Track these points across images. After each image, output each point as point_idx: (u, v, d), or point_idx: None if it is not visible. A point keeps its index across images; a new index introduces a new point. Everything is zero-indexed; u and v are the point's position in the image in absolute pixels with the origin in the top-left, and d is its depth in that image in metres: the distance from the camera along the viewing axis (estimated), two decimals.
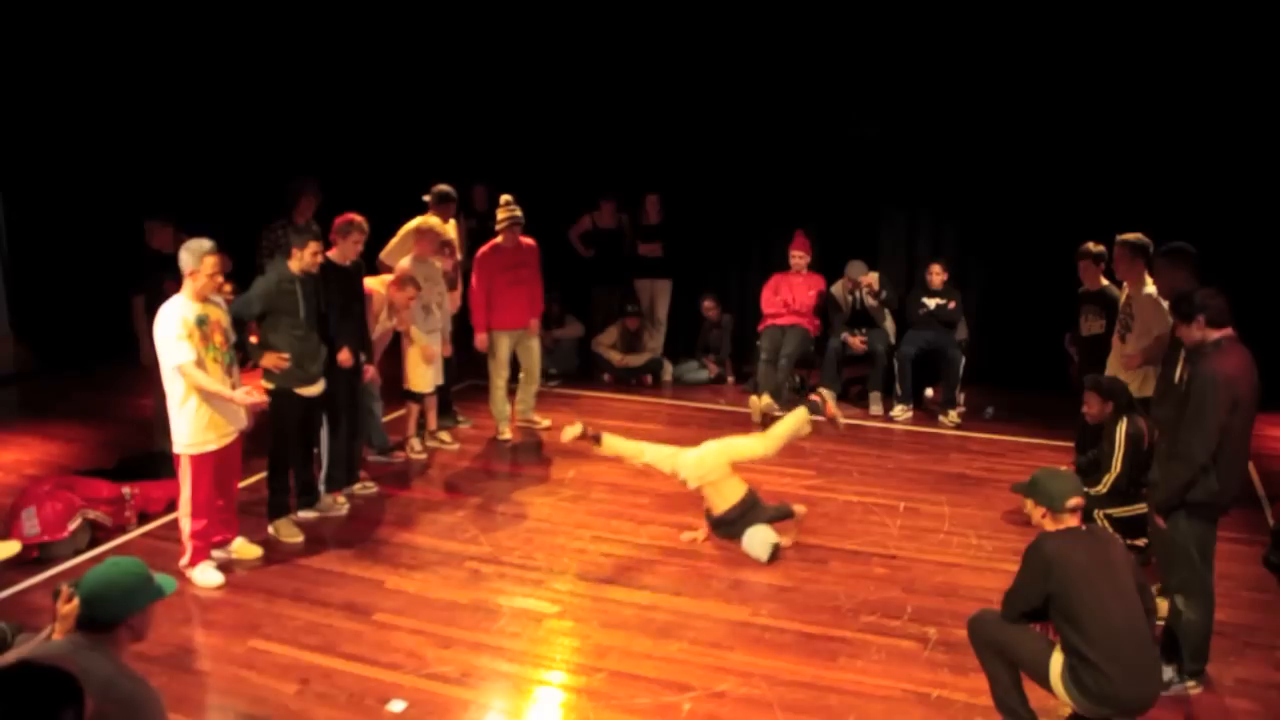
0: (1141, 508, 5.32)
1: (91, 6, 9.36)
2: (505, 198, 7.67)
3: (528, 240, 7.74)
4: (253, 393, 5.40)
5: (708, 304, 9.74)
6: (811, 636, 4.88)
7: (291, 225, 7.47)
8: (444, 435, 7.73)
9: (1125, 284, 6.05)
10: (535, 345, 7.93)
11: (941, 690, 4.41)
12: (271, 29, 10.29)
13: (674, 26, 9.78)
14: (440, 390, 7.61)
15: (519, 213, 7.54)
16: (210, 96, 10.26)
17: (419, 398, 7.39)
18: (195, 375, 5.11)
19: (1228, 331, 4.24)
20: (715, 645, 4.80)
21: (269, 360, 5.67)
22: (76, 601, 2.95)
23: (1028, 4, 8.61)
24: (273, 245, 7.46)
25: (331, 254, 6.14)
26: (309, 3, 10.35)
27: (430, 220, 7.25)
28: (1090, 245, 6.64)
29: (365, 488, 6.68)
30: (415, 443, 7.46)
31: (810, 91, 9.53)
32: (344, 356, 6.10)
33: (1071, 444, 7.17)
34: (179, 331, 5.06)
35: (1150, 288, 5.68)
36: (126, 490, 6.08)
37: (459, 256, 7.96)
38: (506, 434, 7.89)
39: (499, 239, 7.57)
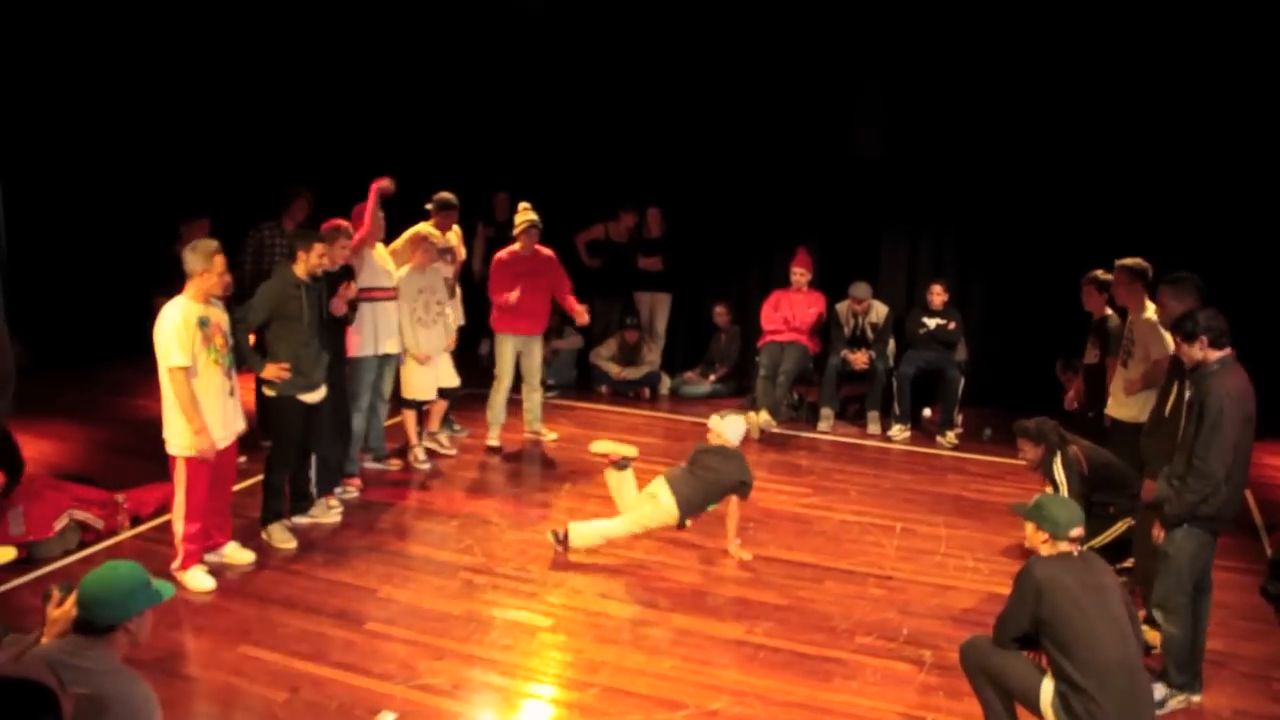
0: (1116, 530, 5.35)
1: (93, 5, 9.36)
2: (524, 204, 7.67)
3: (545, 250, 7.72)
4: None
5: (719, 310, 9.73)
6: (806, 656, 4.85)
7: (279, 228, 7.47)
8: (442, 438, 7.71)
9: (1128, 309, 6.03)
10: (538, 355, 7.88)
11: (936, 714, 4.38)
12: (292, 34, 10.29)
13: (680, 43, 9.79)
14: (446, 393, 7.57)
15: (535, 217, 7.56)
16: (217, 96, 10.24)
17: (416, 405, 7.35)
18: (181, 381, 5.08)
19: (1228, 351, 4.33)
20: (709, 663, 4.76)
21: (270, 372, 5.64)
22: (68, 605, 2.93)
23: (1032, 26, 8.63)
24: (257, 247, 7.43)
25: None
26: (335, 12, 10.36)
27: (423, 228, 7.21)
28: (1098, 272, 6.62)
29: (345, 491, 6.63)
30: (419, 451, 7.41)
31: (814, 110, 9.54)
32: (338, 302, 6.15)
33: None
34: (178, 334, 5.04)
35: (1149, 312, 5.69)
36: (120, 496, 6.04)
37: (461, 261, 7.94)
38: (496, 440, 7.85)
39: (516, 245, 7.58)
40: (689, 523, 5.83)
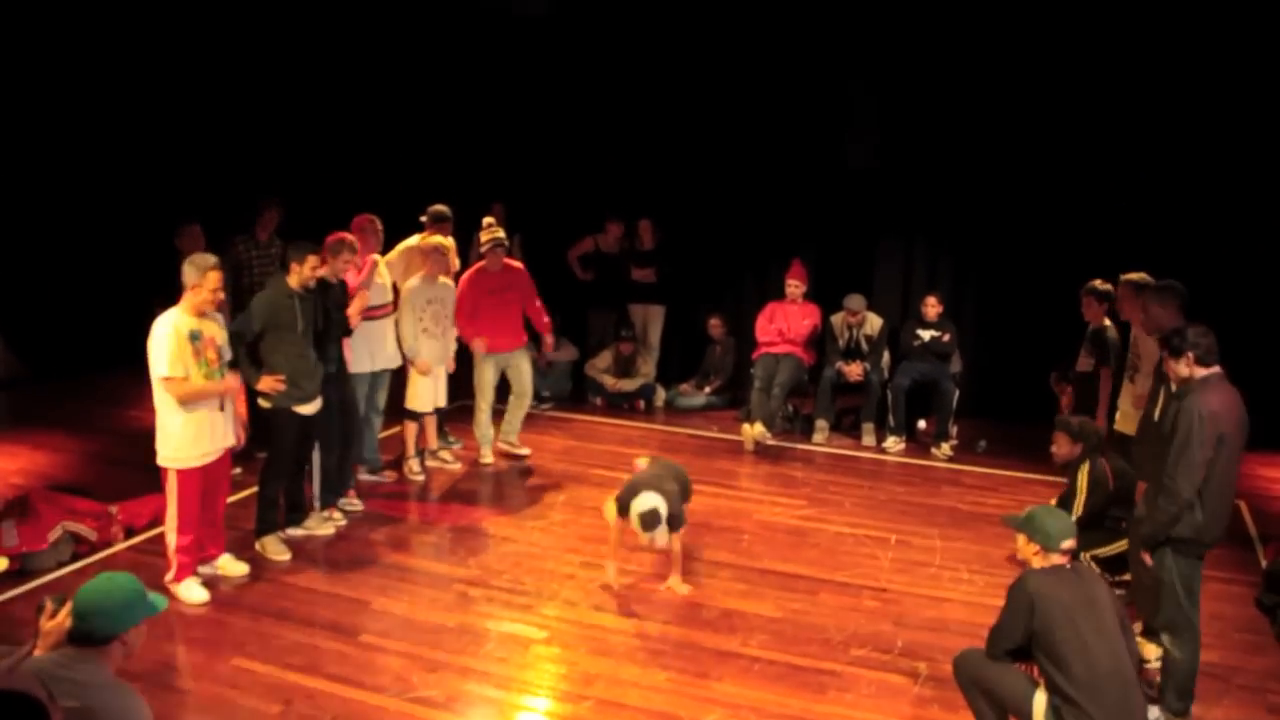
0: (1122, 545, 5.34)
1: (83, 14, 9.38)
2: (487, 220, 7.67)
3: (514, 263, 7.71)
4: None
5: (714, 322, 9.75)
6: (800, 668, 4.84)
7: (254, 240, 7.48)
8: (445, 455, 7.70)
9: (1131, 323, 6.02)
10: (526, 366, 7.83)
11: None
12: (289, 45, 10.30)
13: (674, 54, 9.81)
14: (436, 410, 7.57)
15: (501, 234, 7.54)
16: (211, 105, 10.25)
17: (417, 416, 7.34)
18: (177, 385, 5.09)
19: (1215, 369, 4.29)
20: (703, 675, 4.76)
21: (266, 384, 5.65)
22: (60, 617, 2.92)
23: (1025, 37, 8.66)
24: (234, 262, 7.43)
25: (322, 271, 6.14)
26: (330, 23, 10.39)
27: (434, 239, 7.22)
28: (1097, 282, 6.64)
29: (350, 504, 6.63)
30: (414, 463, 7.40)
31: (808, 121, 9.56)
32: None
33: (1063, 479, 7.17)
34: (168, 345, 5.04)
35: None
36: (114, 508, 6.03)
37: (454, 272, 7.95)
38: (488, 457, 7.83)
39: (484, 262, 7.55)
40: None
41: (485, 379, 7.66)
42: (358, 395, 6.77)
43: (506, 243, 7.58)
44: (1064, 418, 5.83)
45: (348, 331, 6.36)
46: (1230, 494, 4.40)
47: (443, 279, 7.22)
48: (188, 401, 5.13)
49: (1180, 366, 4.29)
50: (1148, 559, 4.43)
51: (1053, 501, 6.16)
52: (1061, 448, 5.76)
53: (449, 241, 7.77)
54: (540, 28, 9.95)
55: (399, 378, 7.31)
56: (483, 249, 7.54)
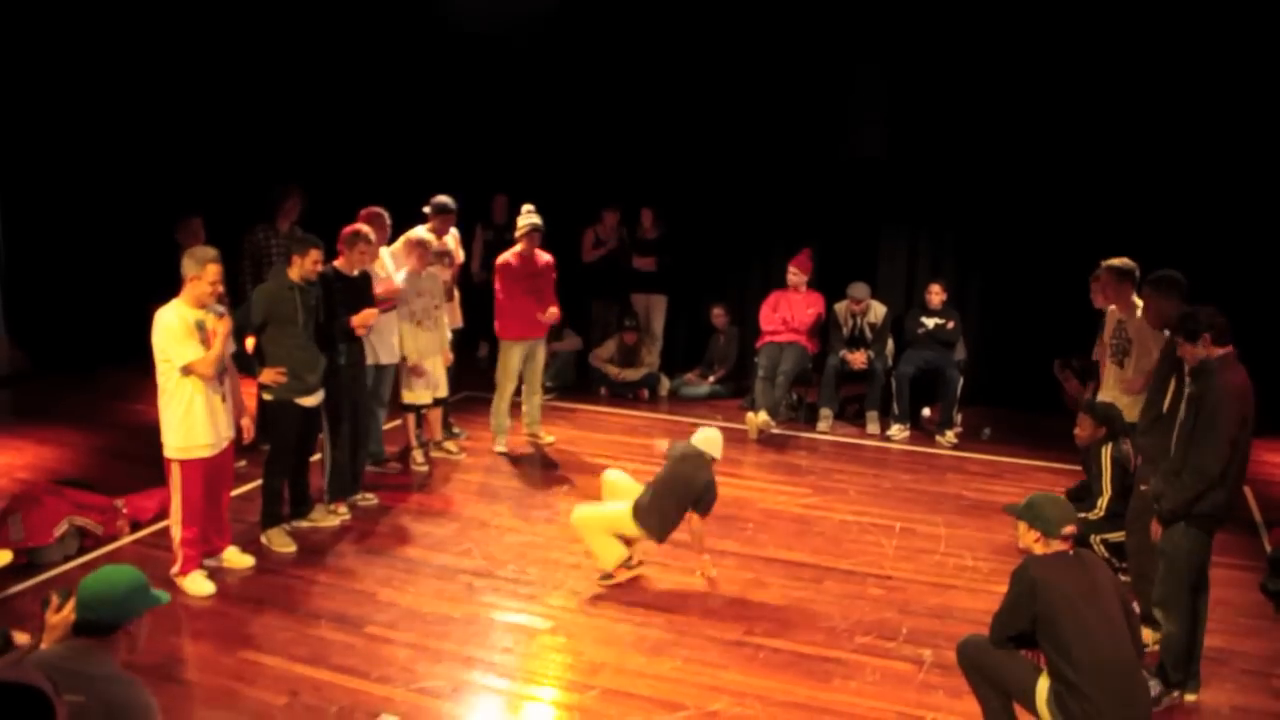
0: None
1: (90, 10, 9.37)
2: (527, 206, 7.69)
3: (545, 254, 7.73)
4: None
5: (717, 311, 9.74)
6: (806, 657, 4.85)
7: (274, 229, 7.48)
8: (450, 445, 7.71)
9: (1114, 308, 5.99)
10: (541, 358, 7.90)
11: (936, 713, 4.38)
12: (290, 37, 10.29)
13: (678, 42, 9.80)
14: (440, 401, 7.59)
15: (538, 219, 7.56)
16: (213, 98, 10.23)
17: (413, 408, 7.35)
18: (198, 366, 5.11)
19: (1230, 349, 4.33)
20: (709, 664, 4.77)
21: (267, 376, 5.67)
22: (66, 610, 2.93)
23: (1029, 24, 8.64)
24: (254, 250, 7.43)
25: (338, 263, 6.16)
26: (332, 14, 10.37)
27: (417, 233, 7.20)
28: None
29: (365, 499, 6.63)
30: (418, 454, 7.41)
31: (811, 110, 9.55)
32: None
33: (1068, 465, 7.18)
34: (179, 335, 5.04)
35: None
36: (119, 501, 6.04)
37: (459, 264, 7.94)
38: (503, 447, 7.84)
39: (520, 247, 7.58)
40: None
41: (512, 366, 7.68)
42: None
43: (543, 229, 7.60)
44: (1090, 400, 5.88)
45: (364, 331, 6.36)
46: (1244, 470, 4.47)
47: (430, 269, 7.19)
48: (209, 372, 5.14)
49: (1198, 349, 4.33)
50: (1157, 531, 4.45)
51: (1060, 490, 6.21)
52: (1085, 430, 5.77)
53: (453, 233, 7.77)
54: (542, 22, 9.93)
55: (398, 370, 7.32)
56: (519, 233, 7.56)
